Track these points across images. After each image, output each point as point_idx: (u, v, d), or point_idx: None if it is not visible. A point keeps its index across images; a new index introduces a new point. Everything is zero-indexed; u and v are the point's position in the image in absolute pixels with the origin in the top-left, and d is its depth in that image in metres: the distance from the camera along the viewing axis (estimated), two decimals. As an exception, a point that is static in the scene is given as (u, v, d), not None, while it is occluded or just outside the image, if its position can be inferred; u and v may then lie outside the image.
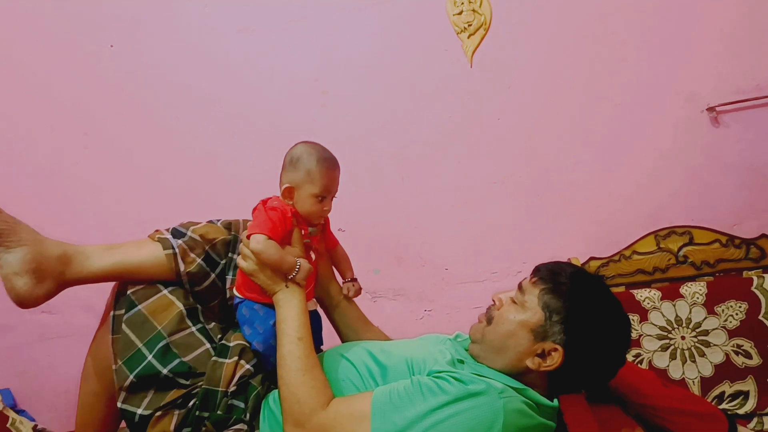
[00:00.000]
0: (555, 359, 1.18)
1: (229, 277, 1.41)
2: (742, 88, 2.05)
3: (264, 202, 1.35)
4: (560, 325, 1.17)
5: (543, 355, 1.19)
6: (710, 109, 2.07)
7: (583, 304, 1.19)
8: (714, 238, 1.96)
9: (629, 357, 1.77)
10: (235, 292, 1.37)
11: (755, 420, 1.71)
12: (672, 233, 1.99)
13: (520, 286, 1.25)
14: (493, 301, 1.29)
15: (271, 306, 1.31)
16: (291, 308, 1.26)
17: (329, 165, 1.34)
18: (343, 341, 1.53)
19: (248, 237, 1.28)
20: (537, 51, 2.17)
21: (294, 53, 2.28)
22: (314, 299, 1.44)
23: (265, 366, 1.34)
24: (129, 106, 2.36)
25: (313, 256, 1.40)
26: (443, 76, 2.21)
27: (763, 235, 1.95)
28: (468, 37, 2.19)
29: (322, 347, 1.46)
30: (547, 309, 1.19)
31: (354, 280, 1.52)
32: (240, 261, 1.32)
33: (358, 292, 1.52)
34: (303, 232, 1.35)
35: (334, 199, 1.38)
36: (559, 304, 1.18)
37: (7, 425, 2.19)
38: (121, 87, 2.35)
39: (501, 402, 1.09)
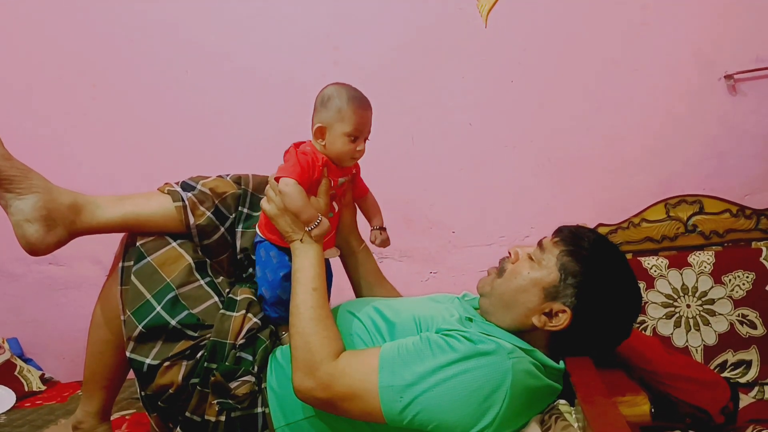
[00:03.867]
0: (561, 320, 1.18)
1: (239, 231, 1.41)
2: (761, 57, 2.00)
3: (296, 145, 1.33)
4: (573, 288, 1.17)
5: (550, 315, 1.20)
6: (727, 77, 2.03)
7: (600, 272, 1.19)
8: (724, 207, 1.94)
9: (634, 324, 1.78)
10: (257, 230, 1.37)
11: (756, 389, 1.72)
12: (682, 202, 1.98)
13: (540, 244, 1.25)
14: (509, 253, 1.29)
15: (287, 254, 1.30)
16: (307, 258, 1.25)
17: (360, 103, 1.31)
18: (356, 292, 1.54)
19: (276, 179, 1.27)
20: (553, 13, 2.12)
21: (305, 8, 2.24)
22: (336, 247, 1.43)
23: (269, 315, 1.35)
24: (137, 59, 2.33)
25: (336, 206, 1.38)
26: (457, 36, 2.17)
27: (774, 206, 1.93)
28: (483, -4, 2.14)
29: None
30: (563, 270, 1.19)
31: (382, 228, 1.48)
32: (263, 203, 1.31)
33: (386, 242, 1.47)
34: (332, 183, 1.33)
35: (366, 141, 1.35)
36: (577, 268, 1.18)
37: (15, 373, 2.23)
38: (130, 39, 2.33)
39: (510, 362, 1.10)
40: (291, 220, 1.26)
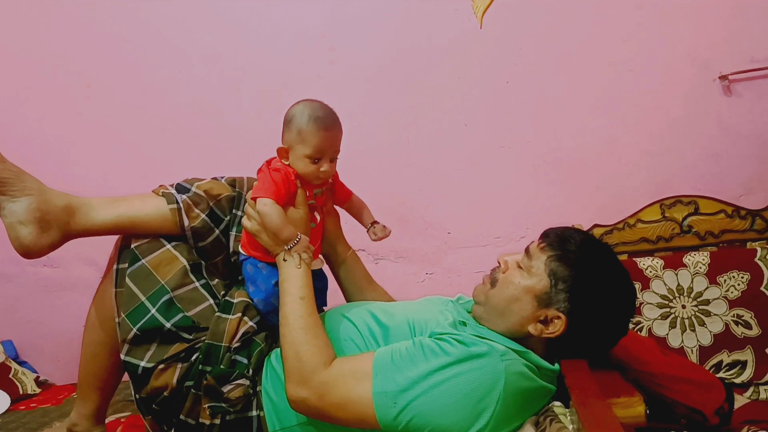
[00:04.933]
0: (557, 327, 1.18)
1: (233, 234, 1.41)
2: (756, 57, 2.01)
3: (268, 163, 1.33)
4: (565, 293, 1.17)
5: (545, 322, 1.19)
6: (722, 78, 2.03)
7: (590, 274, 1.18)
8: (720, 208, 1.94)
9: (630, 324, 1.78)
10: (240, 250, 1.36)
11: (751, 389, 1.72)
12: (677, 203, 1.98)
13: (527, 251, 1.24)
14: (499, 263, 1.28)
15: (274, 265, 1.30)
16: (294, 267, 1.25)
17: (322, 125, 1.27)
18: (347, 299, 1.53)
19: (253, 199, 1.27)
20: (548, 13, 2.12)
21: (301, 9, 2.23)
22: (321, 257, 1.43)
23: (267, 322, 1.35)
24: (132, 60, 2.33)
25: (318, 216, 1.38)
26: (452, 37, 2.17)
27: (769, 207, 1.94)
28: (479, -3, 2.14)
29: (324, 308, 1.47)
30: (553, 276, 1.18)
31: (375, 222, 1.46)
32: (244, 221, 1.31)
33: (385, 230, 1.44)
34: (308, 193, 1.33)
35: (336, 159, 1.32)
36: (566, 272, 1.17)
37: (9, 376, 2.22)
38: (124, 39, 2.32)
39: (503, 364, 1.09)
40: (273, 234, 1.25)
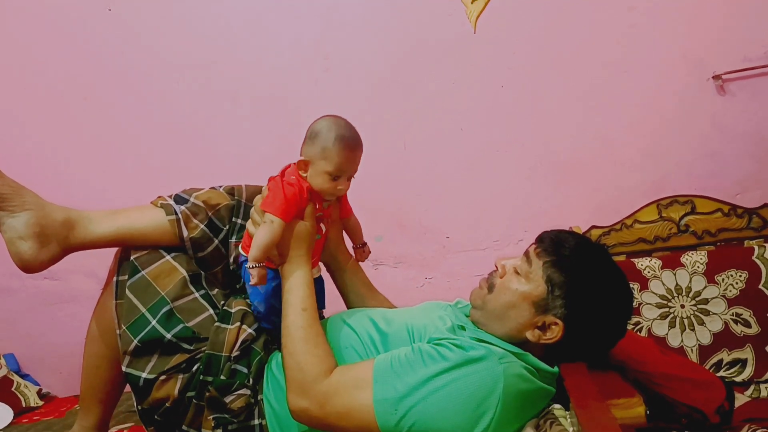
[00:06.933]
0: (555, 333, 1.18)
1: (233, 242, 1.41)
2: (749, 56, 2.02)
3: (282, 173, 1.32)
4: (562, 299, 1.16)
5: (543, 328, 1.19)
6: (716, 77, 2.04)
7: (586, 279, 1.18)
8: (716, 207, 1.95)
9: (628, 325, 1.78)
10: (241, 251, 1.37)
11: (752, 387, 1.73)
12: (674, 202, 1.99)
13: (526, 254, 1.24)
14: (496, 267, 1.28)
15: (274, 267, 1.31)
16: (296, 278, 1.26)
17: (347, 144, 1.29)
18: (348, 306, 1.53)
19: (262, 208, 1.26)
20: (542, 17, 2.13)
21: (296, 17, 2.24)
22: (320, 265, 1.44)
23: (265, 326, 1.35)
24: (128, 71, 2.33)
25: (323, 227, 1.39)
26: (447, 42, 2.18)
27: (765, 205, 1.93)
28: (472, 2, 2.15)
29: (323, 311, 1.47)
30: (550, 283, 1.17)
31: (364, 244, 1.50)
32: (250, 227, 1.32)
33: (367, 254, 1.50)
34: (317, 206, 1.33)
35: (352, 179, 1.34)
36: (562, 278, 1.17)
37: (12, 389, 2.22)
38: (120, 51, 2.33)
39: (501, 367, 1.10)
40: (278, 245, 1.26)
